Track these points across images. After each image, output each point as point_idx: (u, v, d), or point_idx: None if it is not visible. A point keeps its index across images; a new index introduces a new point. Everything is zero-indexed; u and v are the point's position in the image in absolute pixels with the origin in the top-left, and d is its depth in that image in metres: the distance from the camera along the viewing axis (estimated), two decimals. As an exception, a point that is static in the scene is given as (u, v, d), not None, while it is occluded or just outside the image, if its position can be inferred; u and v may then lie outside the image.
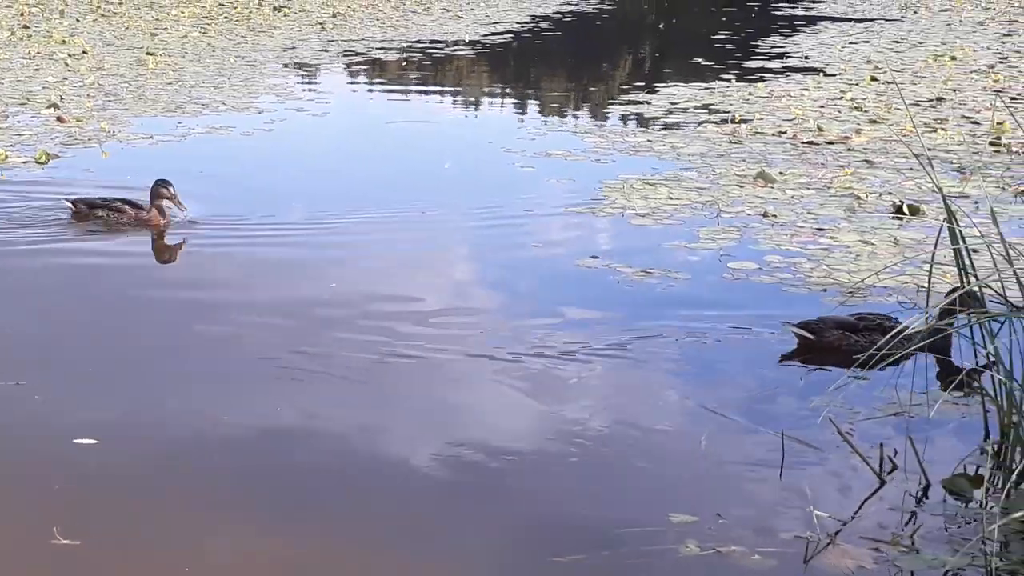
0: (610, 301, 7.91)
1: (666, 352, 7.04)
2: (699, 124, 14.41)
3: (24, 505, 5.26)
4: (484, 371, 6.79)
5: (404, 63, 21.05)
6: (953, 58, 20.07)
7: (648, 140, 13.48)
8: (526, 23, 27.89)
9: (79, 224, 9.88)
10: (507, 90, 19.87)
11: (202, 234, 9.74)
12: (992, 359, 5.49)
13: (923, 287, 6.34)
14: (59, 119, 14.17)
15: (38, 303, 8.06)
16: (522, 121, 16.18)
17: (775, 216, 9.90)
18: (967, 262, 5.85)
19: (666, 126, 14.52)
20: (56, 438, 5.84)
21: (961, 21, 27.09)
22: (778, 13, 30.94)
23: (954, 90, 16.63)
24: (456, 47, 23.18)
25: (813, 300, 7.82)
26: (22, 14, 27.01)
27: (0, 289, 8.39)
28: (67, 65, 18.92)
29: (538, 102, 18.20)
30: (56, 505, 5.24)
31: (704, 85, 17.78)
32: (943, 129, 13.54)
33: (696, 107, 15.77)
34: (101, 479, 5.50)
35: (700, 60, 21.39)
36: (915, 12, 29.70)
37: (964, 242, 5.88)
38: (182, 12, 27.88)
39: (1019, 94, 16.22)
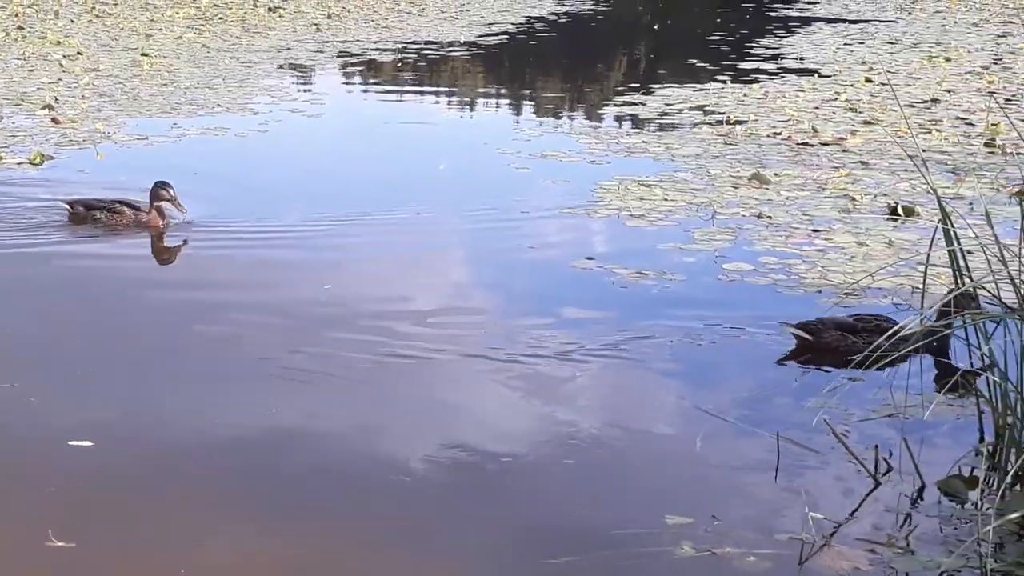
0: (605, 302, 7.91)
1: (661, 353, 7.04)
2: (694, 125, 14.42)
3: (19, 507, 5.25)
4: (480, 372, 6.79)
5: (399, 64, 21.05)
6: (948, 59, 20.10)
7: (643, 141, 13.49)
8: (521, 24, 27.91)
9: (76, 226, 9.84)
10: (502, 91, 19.87)
11: (198, 235, 9.74)
12: (987, 360, 5.50)
13: (918, 288, 6.35)
14: (54, 120, 14.15)
15: (34, 304, 8.05)
16: (517, 122, 16.18)
17: (770, 217, 9.91)
18: (962, 263, 5.86)
19: (661, 127, 14.53)
20: (51, 440, 5.83)
21: (955, 22, 27.14)
22: (773, 14, 30.97)
23: (949, 91, 16.65)
24: (451, 48, 23.18)
25: (808, 301, 7.83)
26: (16, 15, 26.98)
27: (-5, 290, 8.39)
28: (62, 66, 18.91)
29: (533, 103, 18.21)
30: (51, 507, 5.22)
31: (699, 86, 17.80)
32: (938, 130, 13.56)
33: (691, 108, 15.78)
34: (96, 481, 5.49)
35: (695, 61, 21.41)
36: (909, 13, 29.74)
37: (959, 243, 5.88)
38: (177, 13, 27.87)
39: (1013, 95, 16.25)
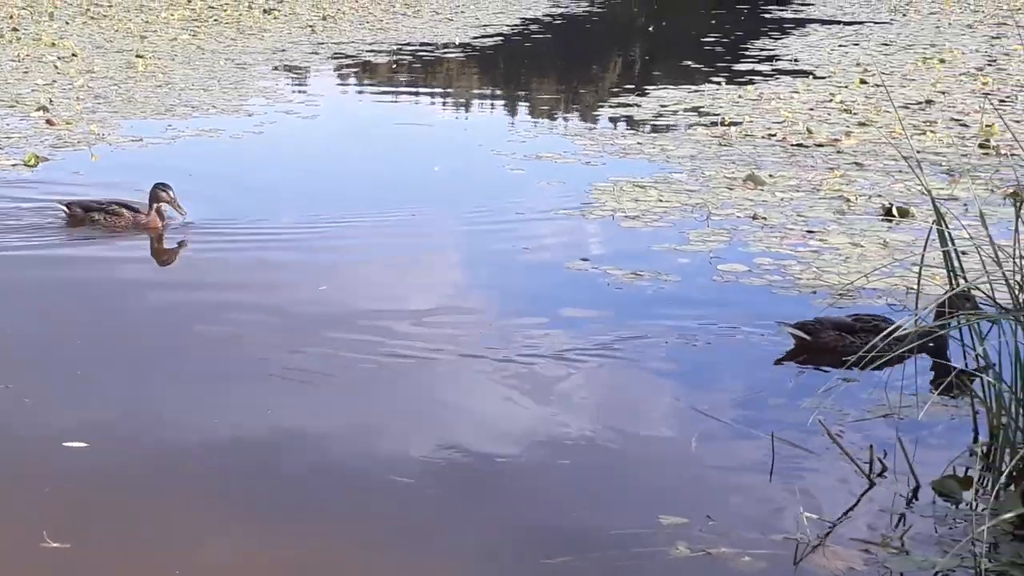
0: (600, 303, 7.92)
1: (656, 354, 7.04)
2: (689, 127, 14.44)
3: (13, 509, 5.24)
4: (476, 373, 6.79)
5: (394, 66, 21.05)
6: (942, 61, 20.13)
7: (638, 143, 13.50)
8: (516, 26, 27.92)
9: (74, 228, 9.81)
10: (497, 93, 19.87)
11: (193, 236, 9.73)
12: (982, 361, 5.51)
13: (913, 289, 6.35)
14: (48, 122, 14.14)
15: (30, 305, 8.03)
16: (512, 124, 16.18)
17: (765, 218, 9.92)
18: (956, 264, 5.87)
19: (656, 129, 14.54)
20: (46, 441, 5.82)
21: (950, 24, 27.17)
22: (767, 16, 31.00)
23: (943, 93, 16.67)
24: (446, 50, 23.18)
25: (803, 302, 7.83)
26: (11, 16, 26.95)
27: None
28: (56, 68, 18.89)
29: (528, 105, 18.21)
30: (46, 508, 5.22)
31: (694, 88, 17.81)
32: (932, 132, 13.58)
33: (686, 110, 15.79)
34: (92, 482, 5.48)
35: (690, 63, 21.43)
36: (904, 15, 29.78)
37: (953, 244, 5.90)
38: (172, 15, 27.86)
39: (1008, 96, 16.27)
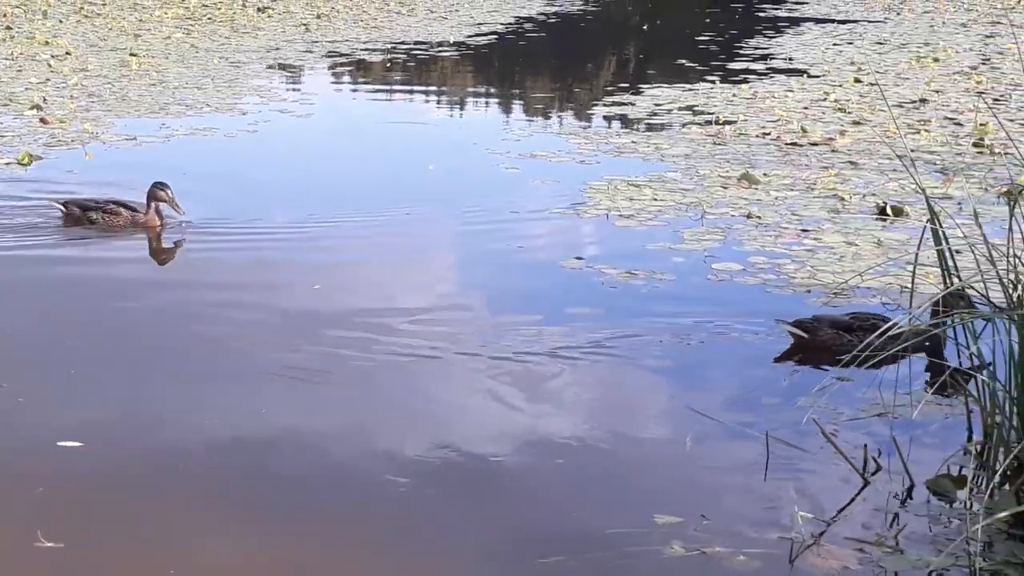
0: (595, 302, 7.92)
1: (651, 353, 7.04)
2: (683, 125, 14.44)
3: (7, 508, 5.23)
4: (469, 372, 6.79)
5: (388, 64, 21.04)
6: (936, 59, 20.15)
7: (632, 141, 13.50)
8: (510, 24, 27.91)
9: (70, 226, 9.79)
10: (491, 91, 19.87)
11: (187, 235, 9.71)
12: (976, 360, 5.51)
13: (907, 288, 6.36)
14: (42, 120, 14.12)
15: (26, 305, 8.01)
16: (507, 122, 16.18)
17: (759, 217, 9.92)
18: (950, 263, 5.87)
19: (650, 127, 14.54)
20: (40, 441, 5.81)
21: (944, 23, 27.20)
22: (762, 14, 31.02)
23: (937, 91, 16.69)
24: (440, 48, 23.18)
25: (797, 301, 7.84)
26: (4, 15, 26.91)
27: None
28: (50, 66, 18.87)
29: (522, 103, 18.21)
30: (40, 508, 5.21)
31: (688, 86, 17.82)
32: (926, 130, 13.59)
33: (680, 108, 15.79)
34: (87, 482, 5.48)
35: (684, 61, 21.43)
36: (898, 14, 29.81)
37: (947, 243, 5.90)
38: (165, 13, 27.83)
39: (1001, 95, 16.29)
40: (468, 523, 5.22)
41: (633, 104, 16.30)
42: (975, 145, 12.73)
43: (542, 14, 30.88)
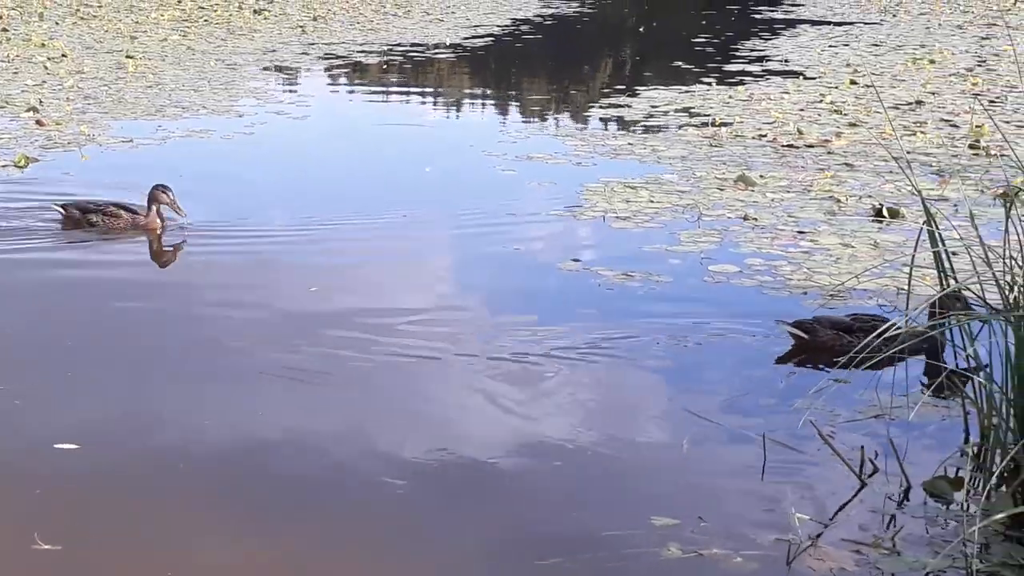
0: (592, 304, 7.92)
1: (647, 355, 7.05)
2: (680, 127, 14.45)
3: (3, 510, 5.23)
4: (466, 374, 6.79)
5: (385, 66, 21.04)
6: (932, 61, 20.18)
7: (629, 143, 13.51)
8: (507, 26, 27.92)
9: (69, 229, 9.77)
10: (488, 93, 19.88)
11: (185, 237, 9.71)
12: (972, 361, 5.52)
13: (903, 290, 6.37)
14: (38, 122, 14.11)
15: (25, 307, 8.01)
16: (503, 124, 16.19)
17: (756, 219, 9.93)
18: (947, 265, 5.88)
19: (647, 129, 14.55)
20: (37, 443, 5.81)
21: (940, 24, 27.24)
22: (758, 16, 31.05)
23: (933, 93, 16.71)
24: (437, 50, 23.18)
25: (794, 303, 7.85)
26: (0, 17, 26.89)
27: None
28: (46, 68, 18.86)
29: (519, 105, 18.22)
30: (37, 510, 5.21)
31: (684, 88, 17.84)
32: (922, 132, 13.61)
33: (677, 110, 15.81)
34: (84, 483, 5.47)
35: (680, 63, 21.45)
36: (894, 16, 29.85)
37: (944, 245, 5.91)
38: (162, 15, 27.82)
39: (997, 97, 16.31)
40: (467, 524, 5.23)
41: (629, 106, 16.31)
42: (971, 147, 12.74)
43: (538, 16, 30.90)
